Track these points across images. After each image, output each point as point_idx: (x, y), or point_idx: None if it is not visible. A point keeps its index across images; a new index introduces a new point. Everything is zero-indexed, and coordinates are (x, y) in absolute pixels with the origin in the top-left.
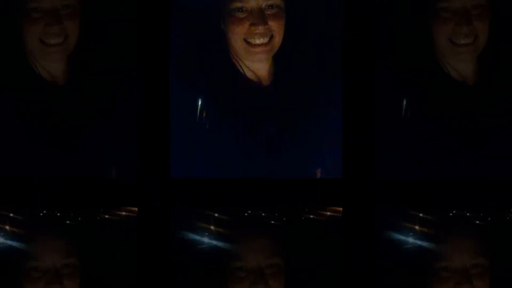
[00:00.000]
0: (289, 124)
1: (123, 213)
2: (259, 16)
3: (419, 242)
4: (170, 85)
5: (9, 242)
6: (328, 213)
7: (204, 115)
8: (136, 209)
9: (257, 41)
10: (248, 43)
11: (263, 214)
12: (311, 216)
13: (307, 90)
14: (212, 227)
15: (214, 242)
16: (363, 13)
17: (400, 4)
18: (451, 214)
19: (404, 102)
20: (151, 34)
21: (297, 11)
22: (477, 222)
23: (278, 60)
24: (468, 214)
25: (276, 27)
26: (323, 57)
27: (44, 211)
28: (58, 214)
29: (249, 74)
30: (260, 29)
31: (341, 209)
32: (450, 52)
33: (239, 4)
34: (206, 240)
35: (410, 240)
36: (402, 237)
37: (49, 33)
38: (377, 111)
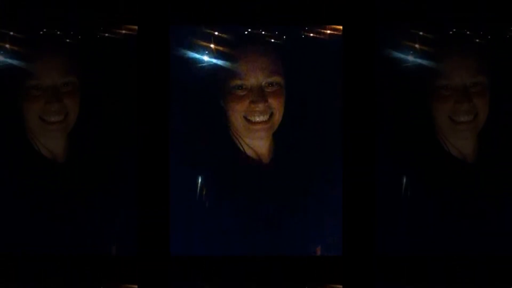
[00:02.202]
0: (289, 201)
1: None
2: (259, 94)
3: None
4: (170, 162)
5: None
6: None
7: (204, 192)
8: None
9: (257, 119)
10: (248, 120)
11: None
12: None
13: (307, 167)
14: None
15: None
16: (363, 91)
17: (400, 82)
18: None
19: (404, 179)
20: (151, 111)
21: (297, 88)
22: (477, 40)
23: (278, 137)
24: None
25: (276, 105)
26: (323, 134)
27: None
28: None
29: (249, 152)
30: (260, 106)
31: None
32: (450, 129)
33: (239, 82)
34: None
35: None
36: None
37: (49, 111)
38: (377, 188)
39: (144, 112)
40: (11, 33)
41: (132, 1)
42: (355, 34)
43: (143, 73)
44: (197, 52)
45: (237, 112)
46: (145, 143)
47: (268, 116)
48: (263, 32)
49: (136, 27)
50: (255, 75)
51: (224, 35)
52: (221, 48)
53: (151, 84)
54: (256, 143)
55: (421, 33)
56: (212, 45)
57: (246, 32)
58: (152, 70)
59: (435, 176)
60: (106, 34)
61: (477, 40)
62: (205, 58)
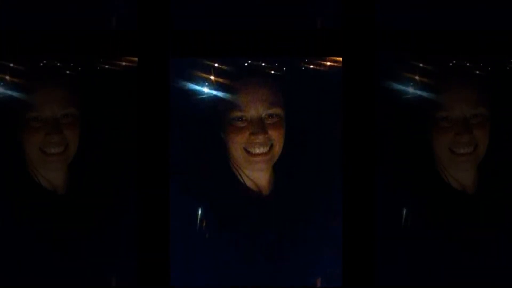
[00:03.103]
0: (289, 233)
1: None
2: (259, 126)
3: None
4: (170, 193)
5: (10, 93)
6: None
7: (204, 223)
8: None
9: (257, 151)
10: (248, 152)
11: None
12: None
13: (307, 199)
14: None
15: None
16: (363, 121)
17: (400, 113)
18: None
19: (404, 211)
20: (151, 143)
21: (297, 120)
22: (477, 72)
23: (278, 169)
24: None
25: (276, 136)
26: (323, 166)
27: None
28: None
29: (249, 183)
30: (260, 138)
31: None
32: (450, 161)
33: (239, 113)
34: None
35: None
36: (402, 87)
37: (49, 143)
38: (377, 219)
39: (144, 143)
40: (11, 64)
41: (132, 33)
42: (355, 65)
43: (143, 104)
44: (197, 83)
45: (237, 144)
46: (145, 175)
47: (268, 148)
48: (263, 64)
49: (136, 59)
50: (255, 106)
51: (224, 67)
52: (221, 80)
53: (151, 116)
54: (256, 174)
55: (421, 64)
56: (212, 77)
57: (246, 64)
58: (152, 101)
59: (435, 207)
60: (106, 66)
61: (477, 72)
62: (205, 89)
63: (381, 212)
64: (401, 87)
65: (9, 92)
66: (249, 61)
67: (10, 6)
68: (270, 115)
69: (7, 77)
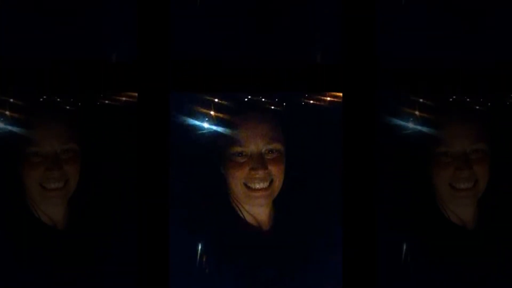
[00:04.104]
0: (289, 268)
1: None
2: (259, 161)
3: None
4: (170, 228)
5: (9, 127)
6: None
7: (204, 258)
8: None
9: (257, 186)
10: (248, 187)
11: None
12: None
13: (307, 234)
14: None
15: None
16: (363, 157)
17: (400, 148)
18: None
19: (404, 246)
20: (151, 177)
21: (297, 155)
22: (477, 107)
23: (278, 204)
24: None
25: (276, 172)
26: (323, 201)
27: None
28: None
29: (249, 219)
30: (260, 173)
31: None
32: (450, 196)
33: (239, 149)
34: None
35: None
36: (402, 122)
37: (49, 178)
38: (377, 255)
39: (144, 178)
40: (11, 100)
41: (132, 68)
42: (355, 101)
43: (143, 139)
44: (197, 118)
45: (237, 179)
46: (145, 209)
47: (268, 183)
48: (263, 99)
49: (136, 94)
50: (255, 142)
51: (224, 102)
52: (221, 115)
53: (151, 151)
54: (256, 210)
55: (421, 100)
56: (212, 112)
57: (246, 99)
58: (152, 136)
59: (435, 243)
60: (106, 101)
61: (477, 107)
62: (205, 124)
63: (381, 248)
64: (401, 123)
65: (9, 127)
66: (249, 96)
67: (9, 42)
68: (270, 151)
69: (7, 112)
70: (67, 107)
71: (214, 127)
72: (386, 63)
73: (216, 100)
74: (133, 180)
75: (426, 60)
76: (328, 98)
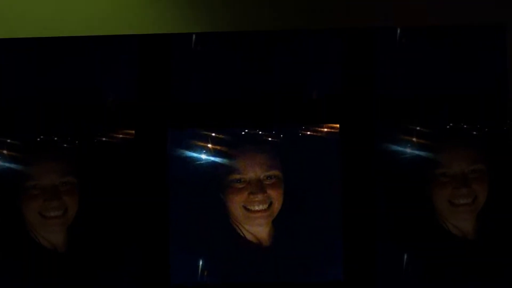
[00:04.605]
0: (289, 284)
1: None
2: (258, 186)
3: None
4: (170, 249)
5: (7, 165)
6: None
7: (205, 276)
8: None
9: (257, 208)
10: (247, 209)
11: None
12: None
13: (307, 251)
14: None
15: None
16: (362, 178)
17: (398, 172)
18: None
19: (404, 262)
20: (151, 204)
21: (295, 180)
22: (474, 133)
23: (278, 224)
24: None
25: (275, 195)
26: (323, 219)
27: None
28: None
29: (249, 237)
30: (259, 197)
31: None
32: (450, 212)
33: (237, 176)
34: None
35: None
36: (399, 149)
37: (48, 208)
38: (377, 268)
39: (144, 203)
40: (8, 140)
41: (129, 106)
42: (352, 132)
43: (141, 171)
44: (195, 151)
45: (236, 203)
46: (145, 234)
47: (267, 205)
48: (260, 132)
49: (133, 131)
50: (253, 170)
51: (221, 136)
52: (218, 148)
53: (149, 180)
54: (256, 229)
55: (418, 128)
56: (209, 145)
57: (243, 133)
58: (150, 168)
59: (435, 254)
60: (103, 139)
61: (474, 133)
62: (203, 156)
63: (381, 260)
64: (399, 149)
65: (7, 165)
66: (246, 130)
67: (6, 83)
68: (269, 177)
69: (5, 152)
70: (65, 145)
71: (212, 158)
72: (383, 94)
73: (213, 134)
74: (132, 204)
75: (423, 91)
76: (325, 129)
